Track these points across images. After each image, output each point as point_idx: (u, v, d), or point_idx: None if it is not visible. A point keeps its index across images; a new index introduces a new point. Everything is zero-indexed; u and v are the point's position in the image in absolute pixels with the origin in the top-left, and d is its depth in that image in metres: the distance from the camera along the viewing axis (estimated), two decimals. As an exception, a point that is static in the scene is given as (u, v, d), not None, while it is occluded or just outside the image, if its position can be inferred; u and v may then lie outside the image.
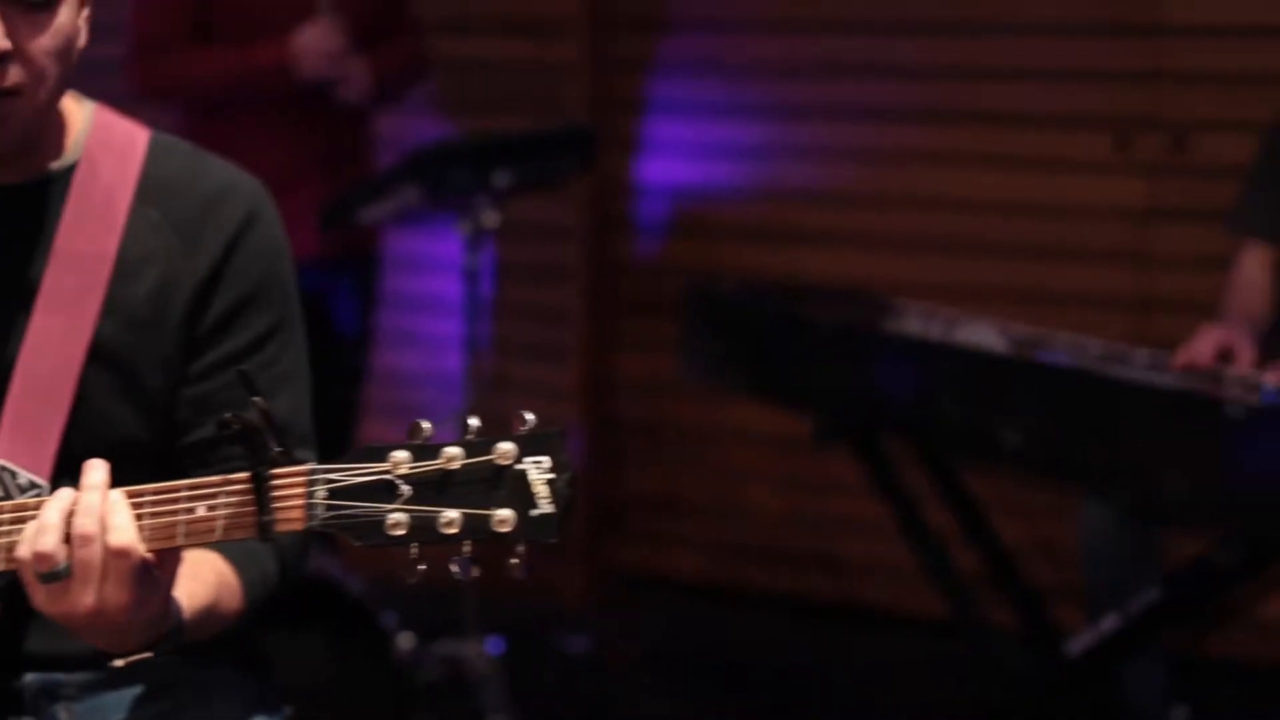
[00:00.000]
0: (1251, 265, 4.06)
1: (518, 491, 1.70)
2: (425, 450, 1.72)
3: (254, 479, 1.76)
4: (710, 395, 4.88)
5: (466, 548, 1.71)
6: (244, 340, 2.03)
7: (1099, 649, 3.53)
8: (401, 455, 1.73)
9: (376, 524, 1.73)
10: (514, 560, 1.71)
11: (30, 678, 2.01)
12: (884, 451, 4.01)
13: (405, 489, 1.72)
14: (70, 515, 1.76)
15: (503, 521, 1.70)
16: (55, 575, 1.75)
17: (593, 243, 5.22)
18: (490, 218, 4.22)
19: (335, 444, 1.99)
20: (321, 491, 1.75)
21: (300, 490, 1.75)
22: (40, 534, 1.76)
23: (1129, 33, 4.64)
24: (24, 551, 1.76)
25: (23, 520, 1.81)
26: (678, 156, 5.16)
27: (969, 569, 4.14)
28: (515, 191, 4.28)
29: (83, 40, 1.99)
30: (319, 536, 1.80)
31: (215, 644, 1.99)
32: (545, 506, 1.70)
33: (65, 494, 1.78)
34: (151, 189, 2.04)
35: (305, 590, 3.35)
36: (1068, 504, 4.15)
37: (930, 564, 3.96)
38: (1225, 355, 3.70)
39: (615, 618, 5.20)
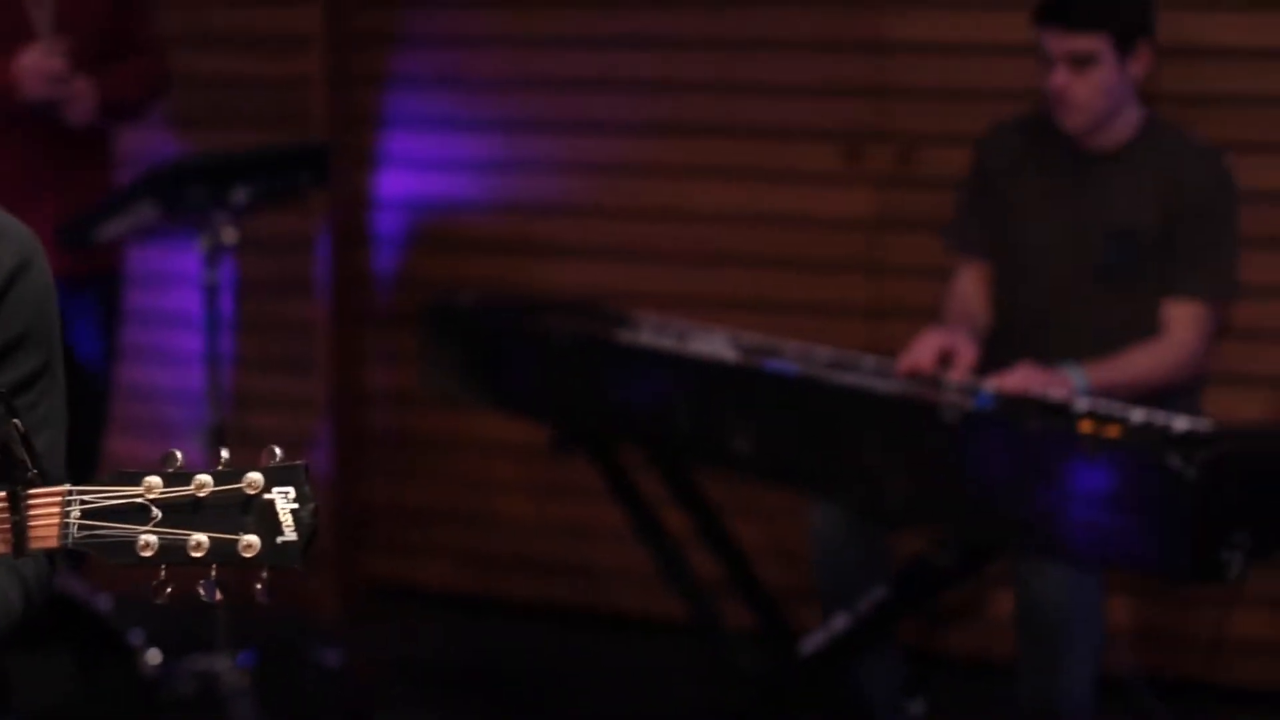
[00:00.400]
0: (966, 280, 4.22)
1: (264, 519, 1.78)
2: (177, 477, 1.80)
3: (10, 497, 1.82)
4: (458, 405, 4.92)
5: (213, 571, 1.78)
6: (8, 381, 2.06)
7: (830, 647, 3.64)
8: (154, 480, 1.80)
9: (128, 544, 1.79)
10: (258, 585, 1.79)
11: None
12: (620, 459, 4.09)
13: (157, 513, 1.79)
14: None
15: (248, 547, 1.77)
16: None
17: (336, 256, 5.22)
18: (228, 233, 4.25)
19: (82, 459, 2.04)
20: (76, 511, 1.81)
21: (56, 509, 1.81)
22: None
23: (856, 49, 4.76)
24: None
25: None
26: (418, 170, 5.20)
27: (709, 572, 4.24)
28: (253, 207, 4.32)
29: None
30: (66, 558, 1.85)
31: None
32: (289, 534, 1.78)
33: None
34: None
35: (50, 609, 3.35)
36: (805, 506, 4.26)
37: (667, 568, 4.06)
38: (947, 359, 3.83)
39: (366, 629, 5.22)
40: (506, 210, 5.12)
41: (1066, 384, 3.76)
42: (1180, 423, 3.38)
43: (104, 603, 3.67)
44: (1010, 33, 4.47)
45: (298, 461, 1.80)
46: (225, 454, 1.82)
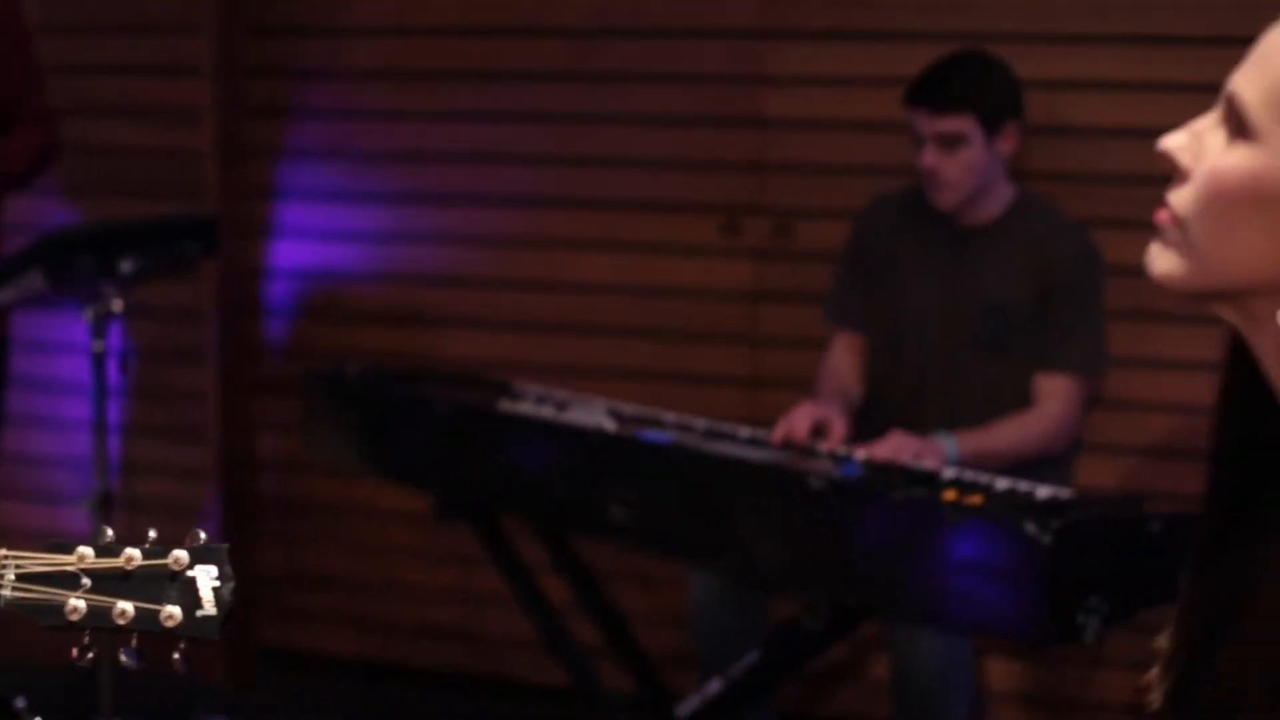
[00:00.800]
0: (840, 351, 4.31)
1: (186, 593, 1.90)
2: (108, 549, 1.91)
3: None
4: (346, 474, 4.96)
5: (134, 639, 1.90)
6: None
7: (705, 711, 3.71)
8: (86, 550, 1.91)
9: (58, 608, 1.89)
10: (176, 655, 1.90)
11: None
12: (503, 527, 4.15)
13: (86, 580, 1.89)
14: None
15: (170, 617, 1.88)
16: None
17: (227, 325, 5.26)
18: (116, 303, 4.29)
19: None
20: (11, 575, 1.91)
21: None
22: None
23: (734, 124, 4.84)
24: None
25: None
26: (309, 241, 5.24)
27: (592, 637, 4.30)
28: (141, 277, 4.35)
29: None
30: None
31: None
32: (209, 609, 1.90)
33: None
34: None
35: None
36: (688, 573, 4.34)
37: (549, 635, 4.11)
38: (821, 430, 3.92)
39: (256, 695, 5.24)
40: (395, 281, 5.18)
41: (938, 452, 3.85)
42: (1043, 491, 3.48)
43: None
44: (884, 110, 4.58)
45: (222, 544, 1.92)
46: (153, 534, 1.93)
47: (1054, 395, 4.11)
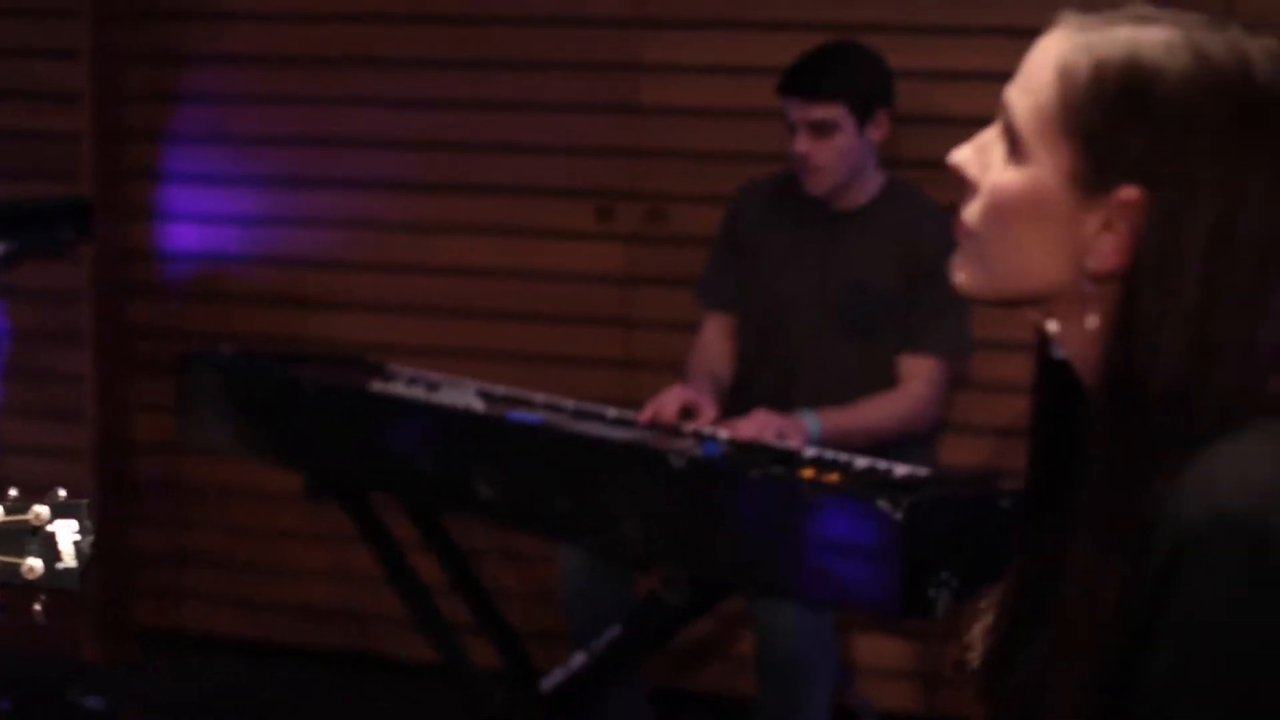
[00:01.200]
0: (712, 332, 4.38)
1: (47, 548, 1.96)
2: None
3: None
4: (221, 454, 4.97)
5: None
6: None
7: (569, 685, 3.76)
8: None
9: None
10: (37, 606, 1.96)
11: None
12: (373, 507, 4.19)
13: None
14: None
15: (31, 570, 1.95)
16: None
17: (103, 307, 5.26)
18: (-9, 285, 4.30)
19: None
20: None
21: None
22: None
23: (609, 111, 4.90)
24: None
25: None
26: (186, 224, 5.25)
27: (463, 614, 4.34)
28: (15, 260, 4.36)
29: None
30: None
31: None
32: (70, 561, 1.97)
33: None
34: None
35: None
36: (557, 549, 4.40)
37: (419, 612, 4.16)
38: (689, 412, 3.98)
39: (133, 674, 5.24)
40: (272, 263, 5.19)
41: (801, 431, 3.92)
42: (900, 470, 3.56)
43: None
44: (756, 98, 4.65)
45: (81, 499, 1.99)
46: (14, 491, 1.99)
47: (918, 376, 4.20)
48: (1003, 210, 1.64)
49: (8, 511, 1.97)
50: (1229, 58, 1.58)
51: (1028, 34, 4.86)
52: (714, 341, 4.38)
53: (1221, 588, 1.50)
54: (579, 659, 3.73)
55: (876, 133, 4.22)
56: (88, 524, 1.98)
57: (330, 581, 5.26)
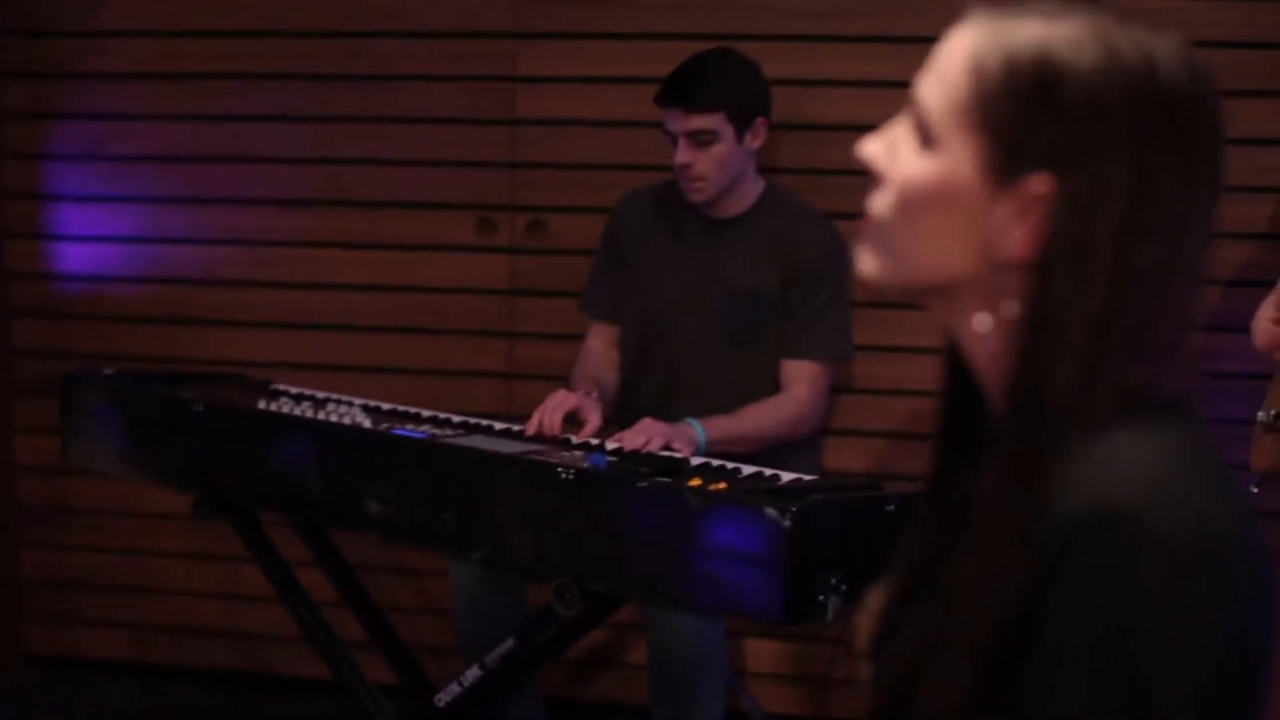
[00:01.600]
0: (595, 341, 4.42)
1: None
2: None
3: None
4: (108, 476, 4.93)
5: None
6: None
7: (463, 699, 3.77)
8: None
9: None
10: None
11: None
12: (262, 526, 4.18)
13: None
14: None
15: None
16: None
17: (-16, 329, 5.23)
18: None
19: None
20: None
21: None
22: None
23: (488, 123, 4.91)
24: None
25: None
26: (68, 243, 5.22)
27: (356, 631, 4.34)
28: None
29: None
30: None
31: None
32: None
33: None
34: None
35: None
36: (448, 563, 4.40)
37: (310, 630, 4.15)
38: (574, 418, 4.00)
39: (21, 700, 5.20)
40: (154, 281, 5.17)
41: (687, 439, 3.95)
42: (786, 477, 3.59)
43: None
44: (634, 108, 4.69)
45: None
46: None
47: (801, 380, 4.24)
48: (913, 200, 1.67)
49: None
50: (1135, 53, 1.61)
51: (899, 42, 4.97)
52: (598, 350, 4.41)
53: (1102, 573, 1.53)
54: (473, 672, 3.74)
55: (755, 141, 4.26)
56: None
57: (218, 601, 5.23)
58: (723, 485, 3.42)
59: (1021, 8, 1.66)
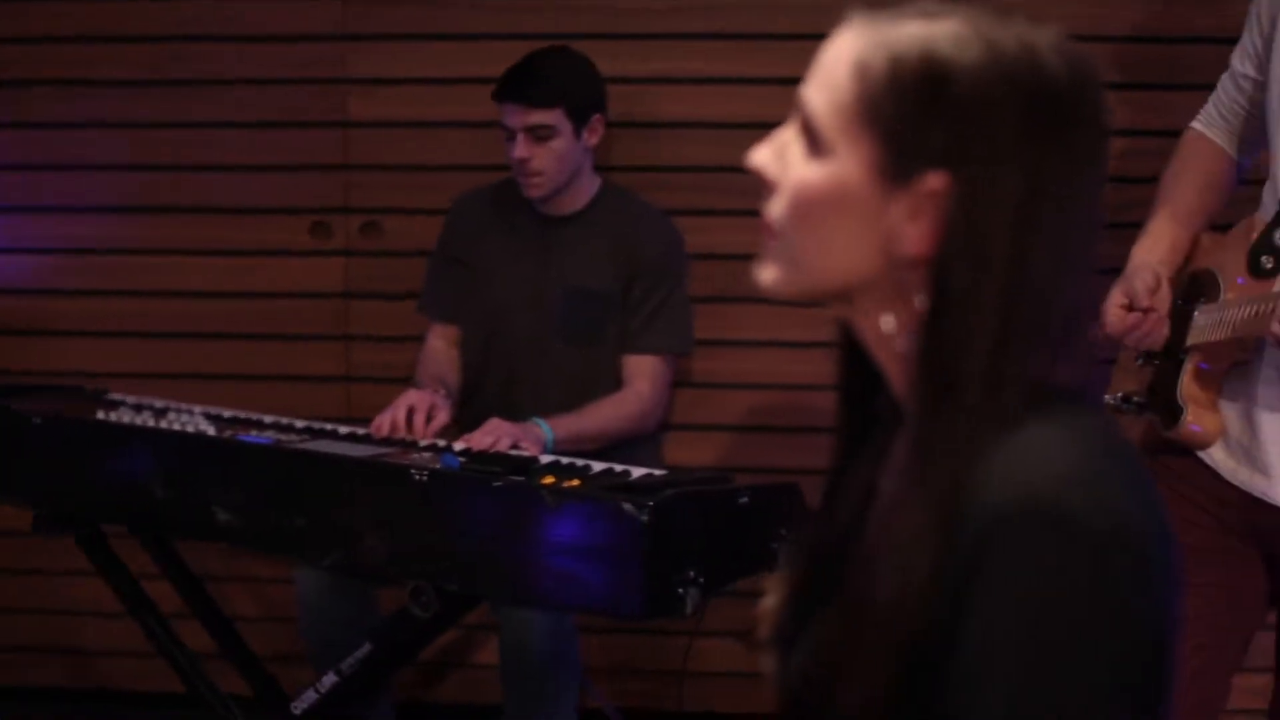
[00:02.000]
0: (436, 342, 4.40)
1: None
2: None
3: None
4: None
5: None
6: None
7: (320, 705, 3.74)
8: None
9: None
10: None
11: None
12: (105, 539, 4.12)
13: None
14: None
15: None
16: None
17: None
18: None
19: None
20: None
21: None
22: None
23: (319, 126, 4.87)
24: None
25: None
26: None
27: (204, 642, 4.29)
28: None
29: None
30: None
31: None
32: None
33: None
34: None
35: None
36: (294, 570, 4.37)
37: (160, 643, 4.09)
38: (414, 414, 3.97)
39: None
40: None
41: (535, 437, 3.95)
42: (637, 472, 3.61)
43: None
44: (467, 108, 4.68)
45: None
46: None
47: (642, 375, 4.26)
48: (808, 206, 1.68)
49: None
50: (1017, 48, 1.63)
51: (728, 39, 4.98)
52: (439, 351, 4.40)
53: (1028, 567, 1.55)
54: (329, 678, 3.70)
55: (592, 137, 4.28)
56: None
57: (51, 617, 5.14)
58: (576, 482, 3.42)
59: (902, 9, 1.68)
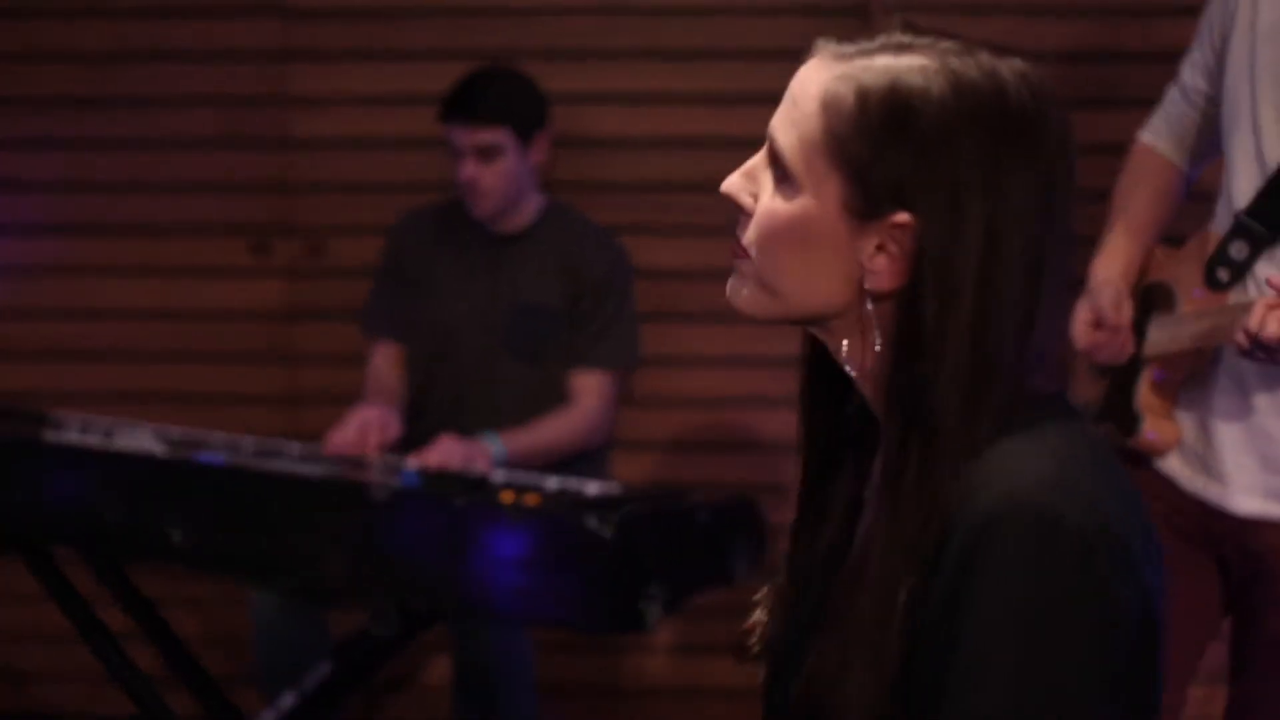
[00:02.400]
0: (381, 361, 4.39)
1: None
2: None
3: None
4: None
5: None
6: None
7: (279, 727, 3.71)
8: None
9: None
10: None
11: None
12: (57, 562, 4.07)
13: None
14: None
15: None
16: None
17: None
18: None
19: None
20: None
21: None
22: None
23: (259, 145, 4.84)
24: None
25: None
26: None
27: (156, 666, 4.25)
28: None
29: None
30: None
31: None
32: None
33: None
34: None
35: None
36: (243, 593, 4.34)
37: (112, 666, 4.05)
38: (370, 438, 3.96)
39: None
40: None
41: (485, 453, 3.96)
42: (592, 487, 3.62)
43: None
44: (409, 127, 4.68)
45: None
46: None
47: (590, 391, 4.27)
48: (777, 238, 1.70)
49: None
50: (983, 80, 1.66)
51: (665, 56, 5.00)
52: (384, 368, 4.39)
53: (1018, 564, 1.59)
54: (289, 699, 3.68)
55: (537, 155, 4.29)
56: None
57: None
58: (535, 498, 3.43)
59: (867, 42, 1.70)
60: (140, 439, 3.92)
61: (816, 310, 1.72)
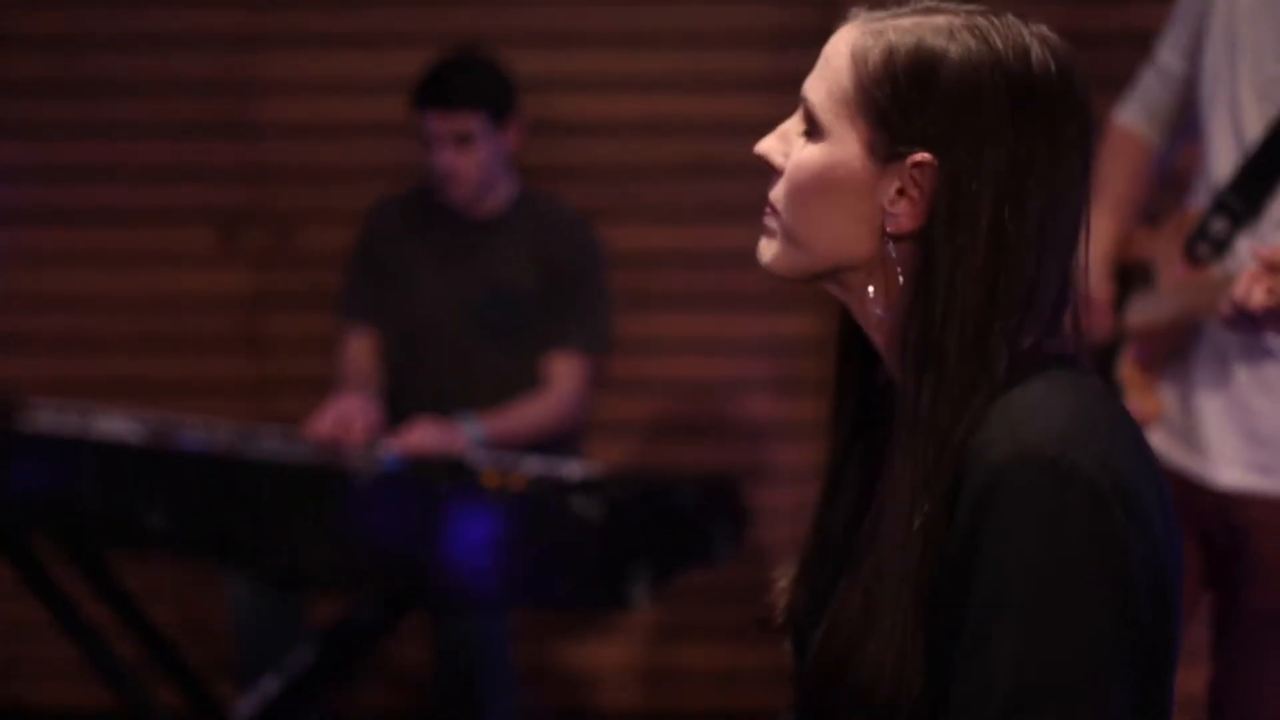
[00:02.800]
0: (356, 346, 4.37)
1: None
2: None
3: None
4: None
5: None
6: None
7: (266, 712, 3.70)
8: None
9: None
10: None
11: None
12: (35, 552, 4.05)
13: None
14: None
15: None
16: None
17: None
18: None
19: None
20: None
21: None
22: None
23: (225, 131, 4.82)
24: None
25: None
26: None
27: (134, 656, 4.23)
28: None
29: None
30: None
31: None
32: None
33: None
34: None
35: None
36: (216, 583, 4.33)
37: (92, 657, 4.03)
38: (351, 425, 3.96)
39: None
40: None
41: (462, 436, 3.96)
42: (573, 469, 3.62)
43: None
44: (378, 112, 4.66)
45: None
46: None
47: (565, 374, 4.27)
48: (805, 186, 1.77)
49: None
50: (1005, 40, 1.75)
51: (644, 40, 5.00)
52: (360, 354, 4.37)
53: (1031, 514, 1.65)
54: (271, 684, 3.67)
55: (510, 140, 4.29)
56: None
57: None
58: (518, 481, 3.43)
59: (900, 7, 1.79)
60: (117, 424, 3.90)
61: (839, 259, 1.78)
